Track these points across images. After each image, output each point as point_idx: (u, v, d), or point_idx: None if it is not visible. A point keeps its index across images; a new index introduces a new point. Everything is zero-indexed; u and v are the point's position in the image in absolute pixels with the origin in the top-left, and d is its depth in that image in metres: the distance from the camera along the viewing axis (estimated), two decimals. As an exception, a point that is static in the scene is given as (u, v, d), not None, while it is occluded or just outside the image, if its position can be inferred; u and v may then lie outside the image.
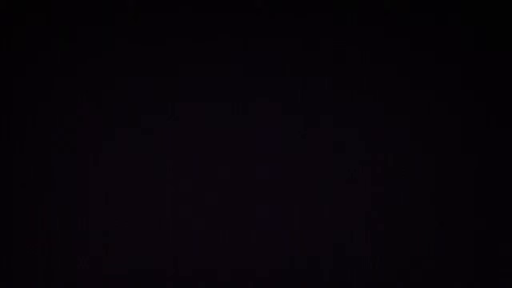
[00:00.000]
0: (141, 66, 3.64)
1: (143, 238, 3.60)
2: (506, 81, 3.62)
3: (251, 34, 3.64)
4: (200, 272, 3.58)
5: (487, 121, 3.61)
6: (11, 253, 3.59)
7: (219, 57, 3.64)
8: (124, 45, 3.65)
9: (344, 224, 3.59)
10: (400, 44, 3.63)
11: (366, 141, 3.61)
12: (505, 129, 3.61)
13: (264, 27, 3.64)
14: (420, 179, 3.60)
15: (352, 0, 3.64)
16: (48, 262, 3.59)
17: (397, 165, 3.60)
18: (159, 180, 3.61)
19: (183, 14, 3.66)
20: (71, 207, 3.60)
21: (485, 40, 3.62)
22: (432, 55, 3.63)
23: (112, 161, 3.62)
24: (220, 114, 3.63)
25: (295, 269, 3.57)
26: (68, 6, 3.66)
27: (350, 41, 3.63)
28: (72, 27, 3.66)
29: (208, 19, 3.65)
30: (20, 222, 3.60)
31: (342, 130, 3.61)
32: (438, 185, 3.60)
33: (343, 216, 3.59)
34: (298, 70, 3.63)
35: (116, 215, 3.60)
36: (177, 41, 3.64)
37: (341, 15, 3.64)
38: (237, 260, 3.58)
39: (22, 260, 3.59)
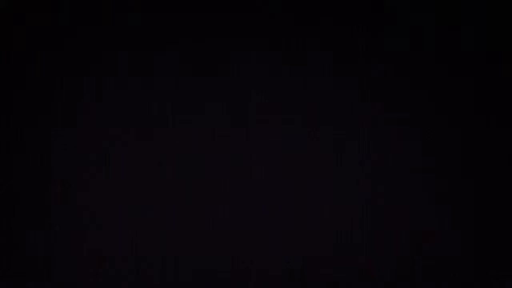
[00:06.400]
0: (141, 66, 3.64)
1: (143, 238, 3.60)
2: (506, 82, 3.62)
3: (251, 34, 3.64)
4: (200, 272, 3.59)
5: (487, 120, 3.61)
6: (11, 253, 3.59)
7: (219, 57, 3.64)
8: (125, 45, 3.65)
9: (344, 224, 3.59)
10: (400, 44, 3.63)
11: (366, 141, 3.61)
12: (505, 129, 3.61)
13: (264, 27, 3.64)
14: (420, 179, 3.60)
15: (352, 0, 3.64)
16: (48, 262, 3.59)
17: (397, 165, 3.60)
18: (159, 180, 3.61)
19: (183, 14, 3.66)
20: (71, 207, 3.60)
21: (485, 40, 3.63)
22: (432, 55, 3.63)
23: (111, 162, 3.62)
24: (220, 114, 3.63)
25: (295, 269, 3.57)
26: (69, 6, 3.66)
27: (350, 41, 3.63)
28: (73, 27, 3.66)
29: (208, 19, 3.65)
30: (20, 222, 3.60)
31: (342, 130, 3.61)
32: (438, 184, 3.60)
33: (343, 216, 3.59)
34: (298, 70, 3.63)
35: (116, 215, 3.60)
36: (177, 41, 3.64)
37: (341, 15, 3.64)
38: (237, 261, 3.58)
39: (22, 260, 3.59)
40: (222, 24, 3.65)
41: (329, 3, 3.64)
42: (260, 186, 3.60)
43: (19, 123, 3.63)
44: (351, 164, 3.60)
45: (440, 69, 3.63)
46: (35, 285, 3.59)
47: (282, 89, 3.63)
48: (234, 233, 3.59)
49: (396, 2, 3.64)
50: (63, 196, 3.60)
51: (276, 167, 3.61)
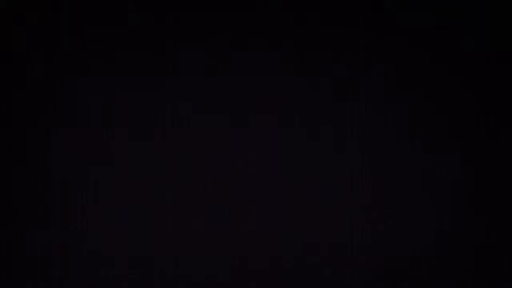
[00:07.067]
0: (141, 66, 3.64)
1: (143, 238, 3.60)
2: (506, 81, 3.62)
3: (251, 34, 3.64)
4: (200, 272, 3.58)
5: (487, 120, 3.61)
6: (11, 253, 3.59)
7: (219, 57, 3.64)
8: (125, 45, 3.65)
9: (344, 224, 3.59)
10: (400, 44, 3.63)
11: (366, 141, 3.61)
12: (505, 129, 3.61)
13: (264, 27, 3.64)
14: (420, 179, 3.60)
15: (352, 0, 3.64)
16: (48, 262, 3.59)
17: (397, 165, 3.60)
18: (159, 180, 3.61)
19: (183, 14, 3.66)
20: (71, 207, 3.60)
21: (485, 40, 3.62)
22: (432, 55, 3.63)
23: (112, 162, 3.62)
24: (220, 114, 3.63)
25: (295, 269, 3.57)
26: (69, 6, 3.66)
27: (349, 41, 3.63)
28: (73, 27, 3.66)
29: (208, 19, 3.65)
30: (20, 222, 3.60)
31: (342, 130, 3.61)
32: (438, 184, 3.60)
33: (343, 216, 3.59)
34: (298, 70, 3.63)
35: (116, 215, 3.60)
36: (177, 41, 3.64)
37: (341, 15, 3.64)
38: (237, 261, 3.58)
39: (22, 260, 3.59)
40: (222, 24, 3.65)
41: (329, 3, 3.64)
42: (260, 186, 3.60)
43: (19, 123, 3.63)
44: (351, 164, 3.60)
45: (440, 69, 3.63)
46: (35, 285, 3.59)
47: (282, 89, 3.63)
48: (234, 233, 3.59)
49: (396, 2, 3.63)
50: (63, 196, 3.60)
51: (275, 167, 3.61)
